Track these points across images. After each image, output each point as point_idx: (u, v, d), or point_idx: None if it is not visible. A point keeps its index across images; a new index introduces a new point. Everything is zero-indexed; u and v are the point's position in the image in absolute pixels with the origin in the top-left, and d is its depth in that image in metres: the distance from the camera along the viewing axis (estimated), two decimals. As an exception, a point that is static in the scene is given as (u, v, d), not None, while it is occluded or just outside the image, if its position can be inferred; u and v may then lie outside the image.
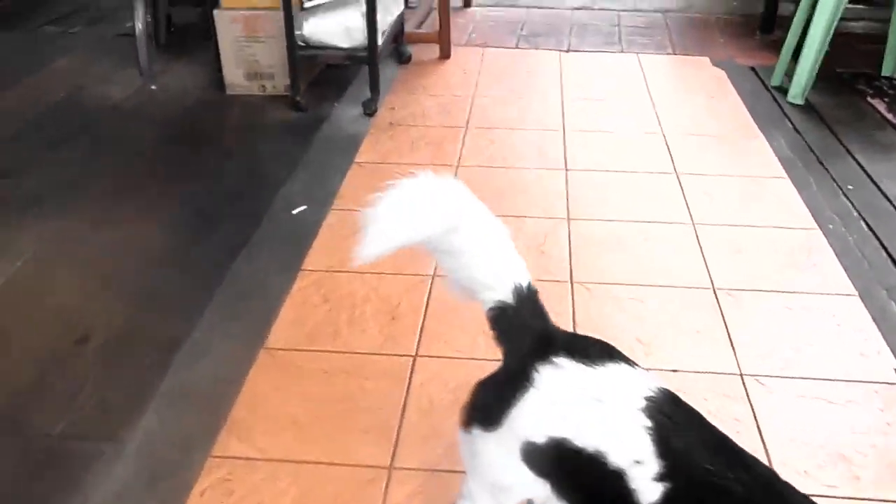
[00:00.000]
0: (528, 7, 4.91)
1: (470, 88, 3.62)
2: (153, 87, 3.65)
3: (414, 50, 3.97)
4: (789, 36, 3.62)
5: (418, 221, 1.11)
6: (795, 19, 3.60)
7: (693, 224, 2.54)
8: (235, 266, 2.34)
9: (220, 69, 3.56)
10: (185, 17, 4.43)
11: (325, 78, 3.63)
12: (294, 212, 2.61)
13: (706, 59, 3.97)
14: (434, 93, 3.57)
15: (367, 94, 3.40)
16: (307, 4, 3.37)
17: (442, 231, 1.13)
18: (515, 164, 2.93)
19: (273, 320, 2.10)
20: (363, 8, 3.21)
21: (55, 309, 2.16)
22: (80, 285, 2.27)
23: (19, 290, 2.23)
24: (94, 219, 2.60)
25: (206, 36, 3.98)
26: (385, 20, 3.36)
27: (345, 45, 3.26)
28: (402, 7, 3.59)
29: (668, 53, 4.09)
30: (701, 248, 2.41)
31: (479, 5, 4.92)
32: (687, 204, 2.65)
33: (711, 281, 2.26)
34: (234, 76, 3.50)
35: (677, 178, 2.82)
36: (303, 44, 3.27)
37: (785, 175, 2.84)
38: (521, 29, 4.50)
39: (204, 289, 2.23)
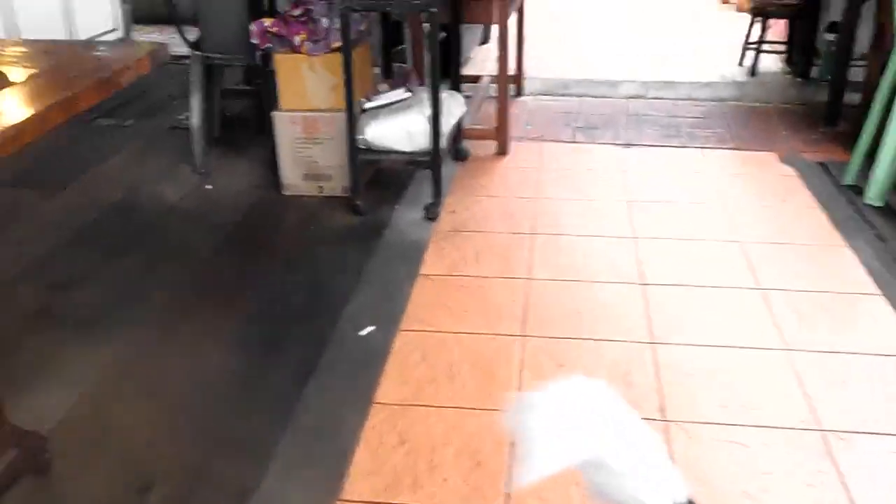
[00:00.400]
0: (580, 96, 4.85)
1: (531, 189, 3.51)
2: (208, 186, 3.59)
3: (471, 146, 3.89)
4: (864, 133, 3.50)
5: (583, 444, 0.98)
6: (871, 115, 3.47)
7: (787, 349, 2.38)
8: (304, 397, 2.21)
9: (276, 168, 3.50)
10: (236, 107, 4.42)
11: (382, 177, 3.55)
12: (361, 333, 2.49)
13: (773, 155, 3.85)
14: (495, 194, 3.47)
15: (427, 195, 3.31)
16: (367, 105, 3.31)
17: (602, 453, 1.00)
18: (588, 278, 2.80)
19: (348, 465, 1.96)
20: (426, 112, 3.14)
21: (116, 450, 2.03)
22: (142, 421, 2.15)
23: (78, 429, 2.11)
24: (153, 340, 2.50)
25: (259, 129, 3.95)
26: (448, 122, 3.28)
27: (407, 148, 3.18)
28: (463, 108, 3.52)
29: (732, 148, 3.97)
30: (800, 379, 2.24)
31: (531, 94, 4.87)
32: (777, 325, 2.49)
33: (818, 420, 2.08)
34: (292, 177, 3.43)
35: (762, 294, 2.67)
36: (363, 147, 3.19)
37: (878, 291, 2.68)
38: (576, 120, 4.43)
39: (273, 424, 2.10)
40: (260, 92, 4.06)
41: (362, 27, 3.35)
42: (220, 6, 3.49)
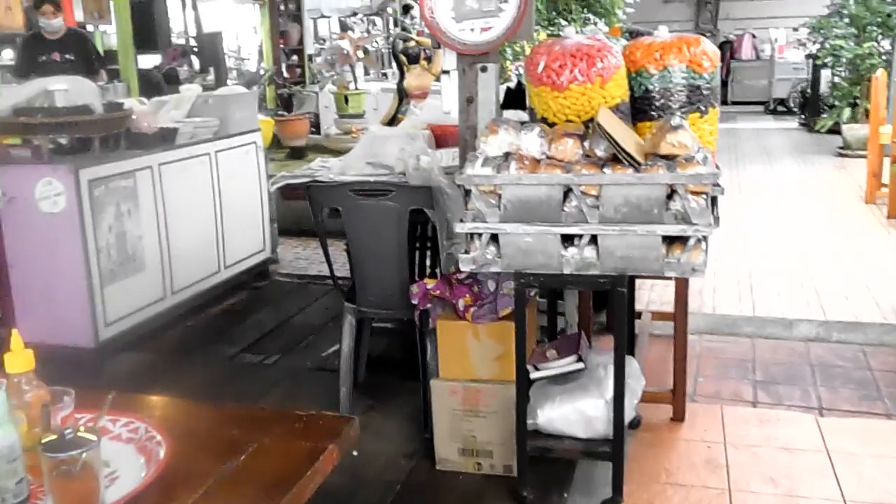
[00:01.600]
0: (751, 336, 4.41)
1: (720, 475, 3.03)
2: (354, 452, 3.28)
3: (641, 408, 3.48)
4: None
5: None
6: None
7: None
8: None
9: (426, 429, 3.19)
10: (379, 344, 4.21)
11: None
12: None
13: None
14: (680, 481, 3.01)
15: (600, 480, 2.90)
16: (534, 375, 2.98)
17: None
18: None
19: None
20: (605, 394, 2.78)
21: None
22: None
23: None
24: None
25: (405, 374, 3.70)
26: (630, 404, 2.91)
27: (582, 435, 2.80)
28: (642, 381, 3.14)
29: (952, 422, 3.40)
30: None
31: (696, 332, 4.44)
32: None
33: None
34: (447, 451, 3.10)
35: None
36: (532, 429, 2.84)
37: None
38: (753, 370, 3.97)
39: None
40: (405, 331, 3.87)
41: (532, 293, 3.09)
42: (378, 263, 3.34)
